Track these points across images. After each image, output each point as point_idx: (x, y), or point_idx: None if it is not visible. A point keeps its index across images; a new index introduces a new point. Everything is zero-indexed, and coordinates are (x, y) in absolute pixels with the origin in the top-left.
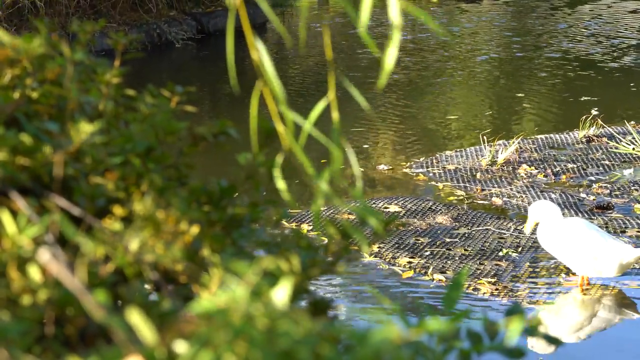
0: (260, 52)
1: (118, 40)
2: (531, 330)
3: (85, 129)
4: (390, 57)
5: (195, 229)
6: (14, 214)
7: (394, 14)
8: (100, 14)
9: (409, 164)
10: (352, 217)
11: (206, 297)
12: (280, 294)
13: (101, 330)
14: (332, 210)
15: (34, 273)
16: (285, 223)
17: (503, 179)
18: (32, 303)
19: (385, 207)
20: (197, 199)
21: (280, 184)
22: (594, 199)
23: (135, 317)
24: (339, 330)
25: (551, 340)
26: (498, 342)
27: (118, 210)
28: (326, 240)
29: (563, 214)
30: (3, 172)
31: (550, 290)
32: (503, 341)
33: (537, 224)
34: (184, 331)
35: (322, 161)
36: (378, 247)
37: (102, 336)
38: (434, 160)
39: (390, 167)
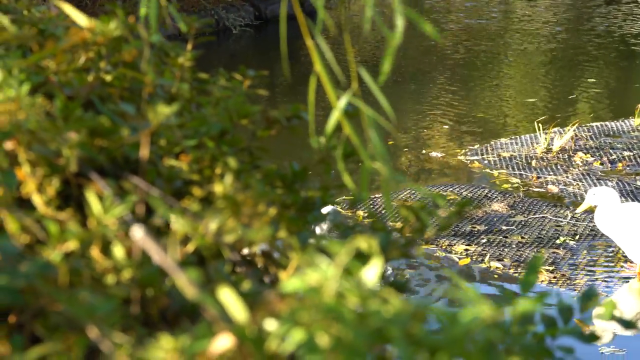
0: (317, 39)
1: (191, 24)
2: (606, 314)
3: (163, 111)
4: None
5: (273, 211)
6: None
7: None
8: None
9: (463, 151)
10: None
11: (296, 276)
12: (371, 273)
13: (183, 310)
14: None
15: (119, 252)
16: (341, 210)
17: (559, 167)
18: (116, 282)
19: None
20: (271, 182)
21: (342, 168)
22: None
23: (226, 295)
24: (429, 309)
25: (627, 324)
26: (572, 325)
27: (197, 191)
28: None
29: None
30: (82, 153)
31: (608, 279)
32: (577, 325)
33: (591, 208)
34: (274, 310)
35: (390, 142)
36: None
37: (184, 316)
38: (489, 148)
39: (445, 155)
